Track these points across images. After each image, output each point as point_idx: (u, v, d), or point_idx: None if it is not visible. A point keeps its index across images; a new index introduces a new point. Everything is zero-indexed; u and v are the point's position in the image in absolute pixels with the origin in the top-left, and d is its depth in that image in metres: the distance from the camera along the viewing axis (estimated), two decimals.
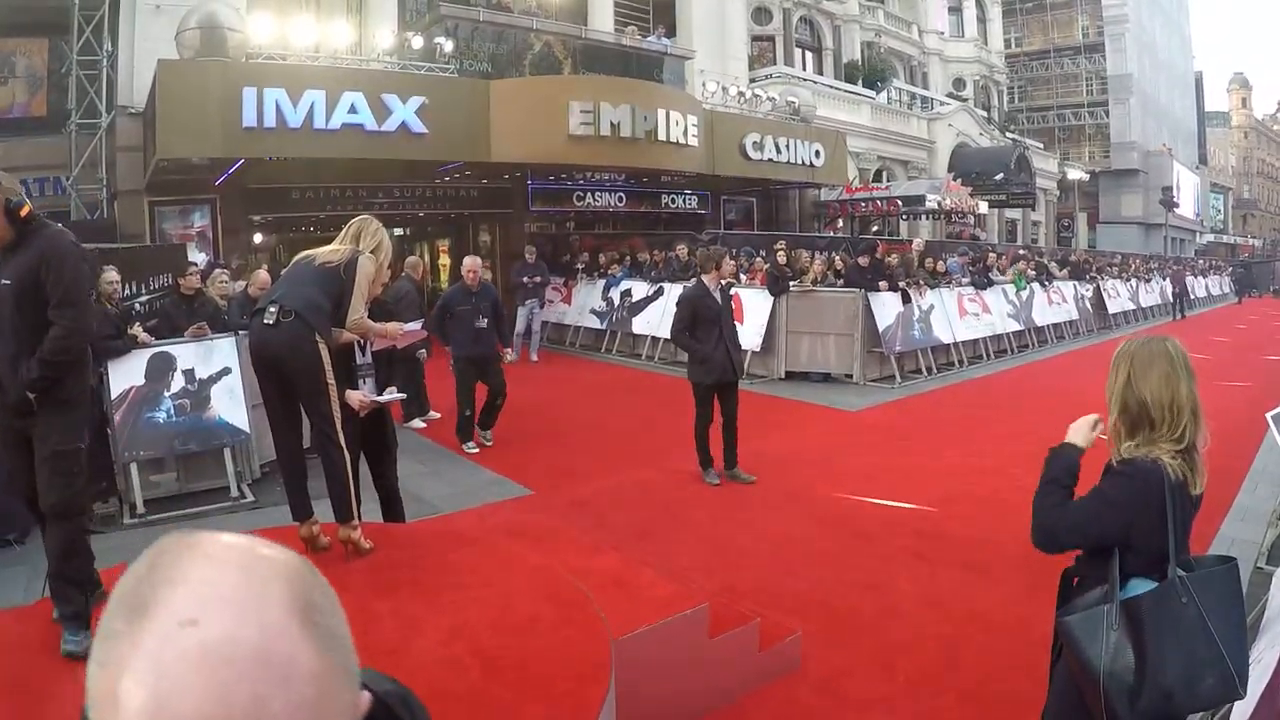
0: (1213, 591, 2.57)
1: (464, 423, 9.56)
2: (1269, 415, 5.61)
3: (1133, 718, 2.52)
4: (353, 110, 14.55)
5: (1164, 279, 31.18)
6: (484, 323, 9.37)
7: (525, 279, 15.99)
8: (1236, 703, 3.15)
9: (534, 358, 16.08)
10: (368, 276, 4.69)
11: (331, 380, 4.43)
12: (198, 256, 15.50)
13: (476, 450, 9.50)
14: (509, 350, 10.77)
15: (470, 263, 9.62)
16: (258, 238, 18.84)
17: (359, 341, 5.98)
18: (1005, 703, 4.34)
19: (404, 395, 5.86)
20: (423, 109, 15.22)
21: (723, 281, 8.40)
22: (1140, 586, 2.63)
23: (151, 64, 14.21)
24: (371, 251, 4.77)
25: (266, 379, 4.58)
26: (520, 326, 15.96)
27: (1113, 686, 2.54)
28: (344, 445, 4.53)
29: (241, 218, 17.54)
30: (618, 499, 7.90)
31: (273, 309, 4.38)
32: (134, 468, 7.50)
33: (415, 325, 5.53)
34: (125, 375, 7.58)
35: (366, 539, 4.41)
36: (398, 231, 24.78)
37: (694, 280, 8.72)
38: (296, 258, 4.83)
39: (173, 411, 7.77)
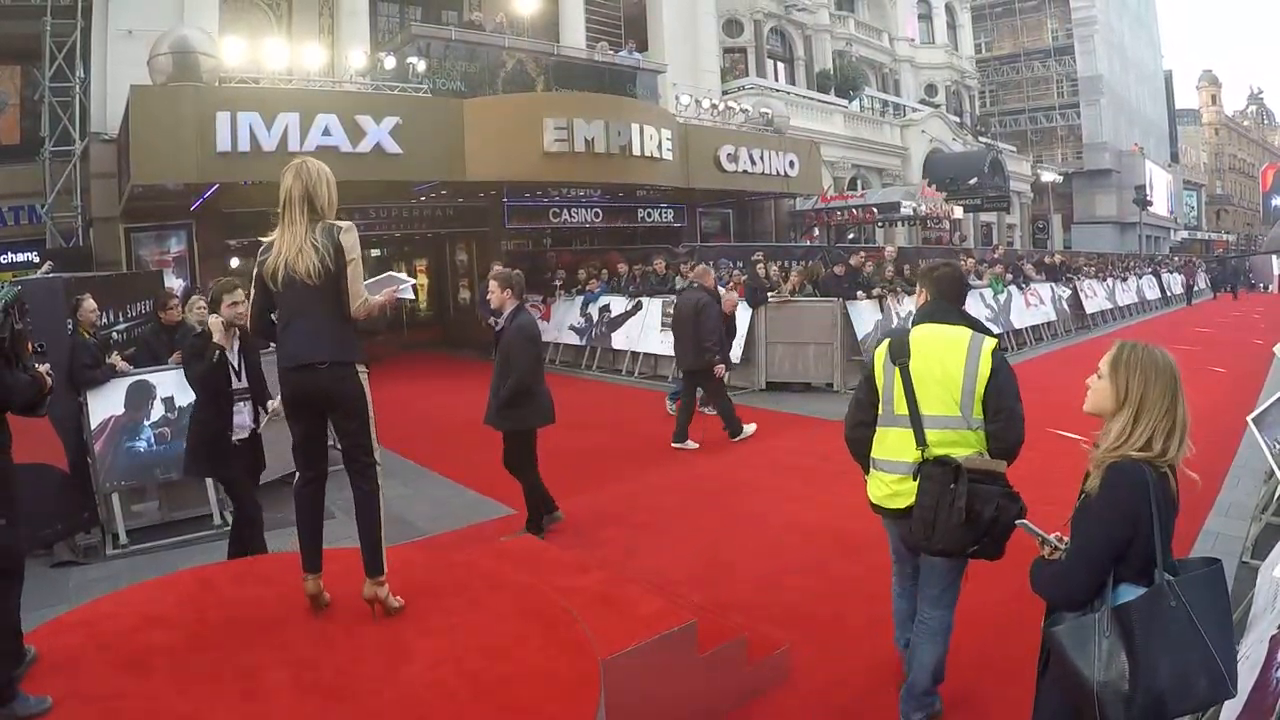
0: (1200, 593, 2.59)
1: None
2: (1249, 418, 5.65)
3: None
4: (327, 132, 14.56)
5: (1178, 273, 37.71)
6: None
7: None
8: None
9: None
10: (358, 250, 4.09)
11: (372, 411, 4.15)
12: (175, 282, 15.48)
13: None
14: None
15: None
16: (234, 262, 18.77)
17: (233, 366, 5.81)
18: (997, 707, 4.36)
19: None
20: (397, 129, 15.24)
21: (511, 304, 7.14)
22: (1128, 592, 2.65)
23: (124, 90, 14.16)
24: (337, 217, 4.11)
25: (303, 418, 4.21)
26: None
27: (1106, 695, 2.56)
28: (379, 480, 4.18)
29: (218, 242, 17.50)
30: (602, 515, 7.88)
31: (304, 362, 4.02)
32: (115, 498, 7.44)
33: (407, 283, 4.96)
34: (105, 404, 7.53)
35: (396, 596, 4.04)
36: (375, 252, 24.78)
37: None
38: (269, 271, 4.03)
39: (153, 440, 7.71)
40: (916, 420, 3.92)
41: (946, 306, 4.17)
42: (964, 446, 3.86)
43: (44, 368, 3.71)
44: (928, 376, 3.94)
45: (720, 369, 10.58)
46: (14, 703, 3.19)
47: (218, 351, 5.69)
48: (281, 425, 4.53)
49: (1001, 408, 3.86)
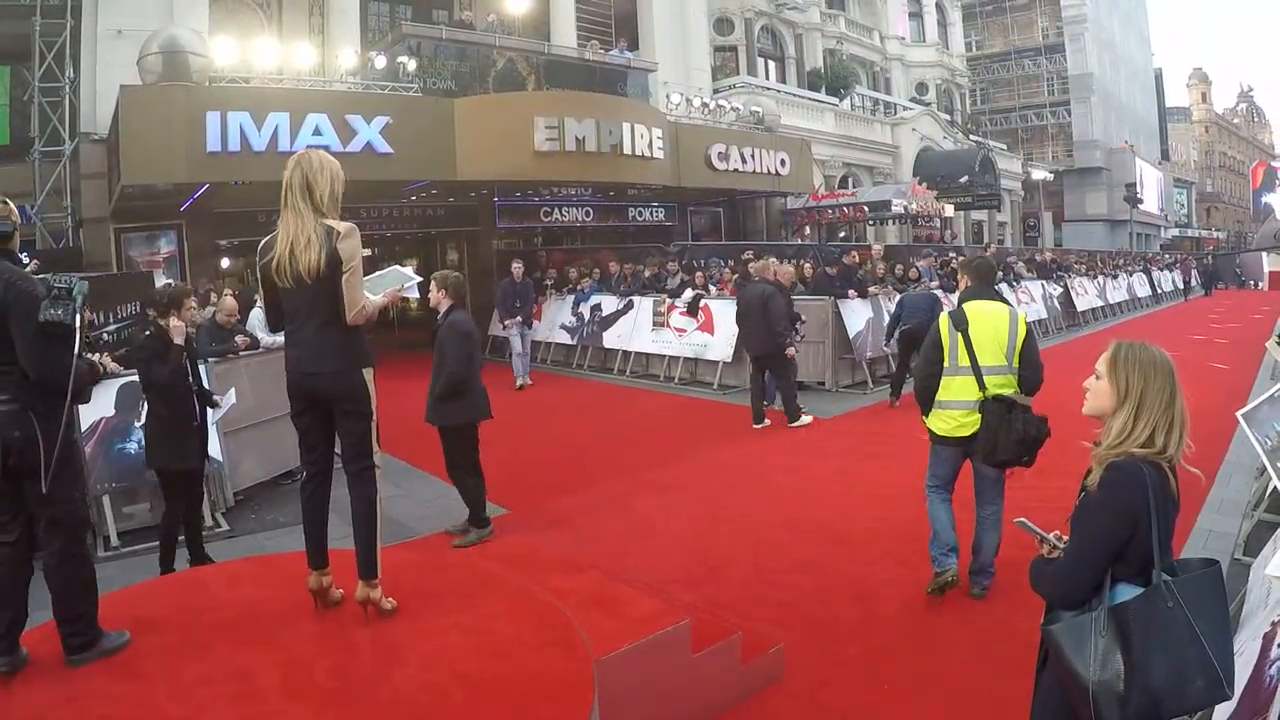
0: (1198, 595, 2.57)
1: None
2: (1239, 413, 5.68)
3: None
4: (317, 132, 14.51)
5: (1175, 270, 39.51)
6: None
7: (518, 303, 15.58)
8: None
9: (528, 380, 15.40)
10: (359, 256, 4.08)
11: (376, 413, 4.10)
12: (165, 283, 15.40)
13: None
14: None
15: None
16: (225, 262, 18.72)
17: (187, 365, 6.12)
18: (993, 707, 4.35)
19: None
20: (387, 129, 15.22)
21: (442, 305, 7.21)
22: (1126, 592, 2.63)
23: (114, 90, 14.15)
24: (336, 211, 4.18)
25: (306, 414, 4.17)
26: (516, 347, 15.54)
27: (1102, 694, 2.54)
28: (377, 483, 4.11)
29: (208, 243, 17.44)
30: (595, 515, 7.86)
31: (307, 370, 4.03)
32: (106, 499, 7.40)
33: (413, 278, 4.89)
34: (95, 406, 7.45)
35: (388, 598, 4.01)
36: (365, 253, 24.70)
37: None
38: (276, 268, 4.06)
39: (144, 441, 7.67)
40: (977, 370, 5.50)
41: (985, 287, 5.84)
42: (1008, 387, 5.49)
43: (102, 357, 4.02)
44: (984, 338, 5.54)
45: (791, 351, 11.43)
46: (101, 640, 3.68)
47: (184, 355, 6.03)
48: (273, 428, 4.54)
49: (1030, 359, 5.56)
